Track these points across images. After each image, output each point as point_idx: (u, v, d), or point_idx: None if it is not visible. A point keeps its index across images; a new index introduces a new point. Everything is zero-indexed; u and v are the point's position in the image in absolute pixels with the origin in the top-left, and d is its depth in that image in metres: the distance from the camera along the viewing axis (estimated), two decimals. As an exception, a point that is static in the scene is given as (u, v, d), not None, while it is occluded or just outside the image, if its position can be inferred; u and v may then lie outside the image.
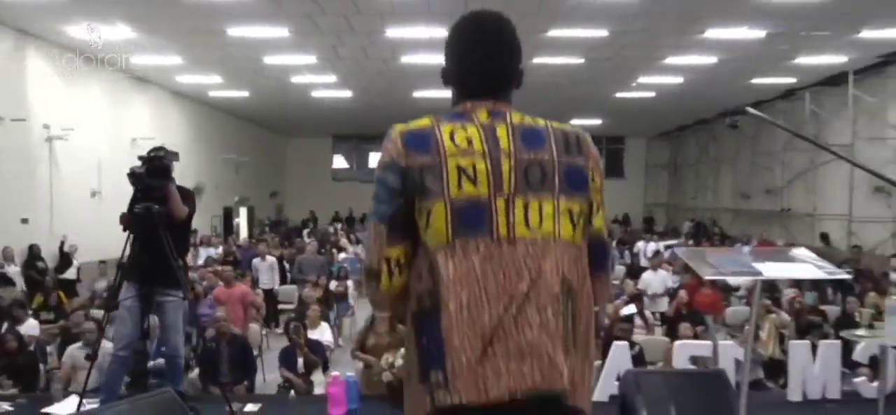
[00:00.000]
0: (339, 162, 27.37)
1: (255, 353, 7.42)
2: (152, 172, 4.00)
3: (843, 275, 3.73)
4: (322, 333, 6.84)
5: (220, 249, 13.39)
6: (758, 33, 11.00)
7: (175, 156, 4.19)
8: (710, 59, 12.90)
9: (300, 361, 5.98)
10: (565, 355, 1.51)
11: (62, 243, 11.16)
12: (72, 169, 11.81)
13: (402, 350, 5.08)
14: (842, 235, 14.13)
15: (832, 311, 8.52)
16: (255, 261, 11.19)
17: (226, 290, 8.08)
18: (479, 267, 1.50)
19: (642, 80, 15.00)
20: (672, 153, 25.51)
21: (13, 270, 9.93)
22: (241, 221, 20.98)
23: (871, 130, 13.49)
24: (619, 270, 13.11)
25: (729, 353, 4.53)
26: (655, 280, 10.56)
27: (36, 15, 9.75)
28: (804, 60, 12.76)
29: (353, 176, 26.89)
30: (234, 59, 12.71)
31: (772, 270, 2.84)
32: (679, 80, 14.89)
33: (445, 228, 1.53)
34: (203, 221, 16.71)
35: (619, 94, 16.83)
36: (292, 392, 5.87)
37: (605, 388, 4.54)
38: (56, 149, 11.40)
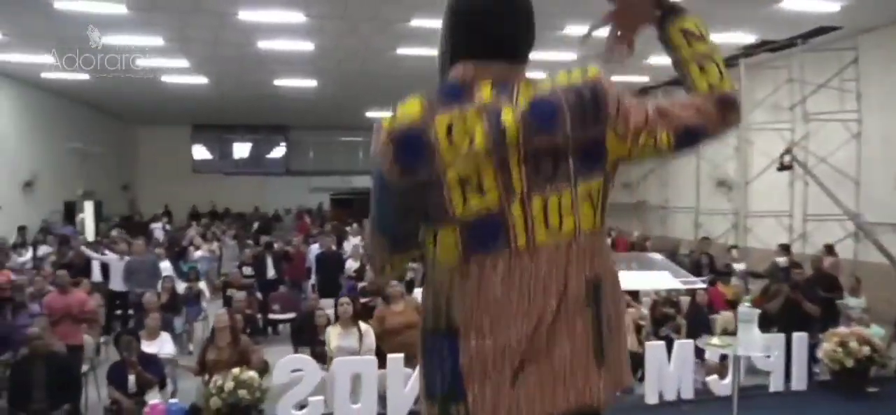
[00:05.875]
0: (202, 153, 25.82)
1: (86, 368, 6.65)
2: None
3: (700, 284, 3.77)
4: (162, 344, 6.18)
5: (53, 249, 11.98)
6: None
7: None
8: (569, 56, 13.21)
9: (132, 378, 5.33)
10: (598, 366, 1.35)
11: None
12: None
13: (236, 371, 4.67)
14: (689, 227, 15.01)
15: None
16: (113, 259, 10.12)
17: (60, 297, 7.05)
18: (500, 288, 1.32)
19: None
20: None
21: None
22: (87, 216, 19.17)
23: (714, 127, 14.39)
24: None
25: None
26: None
27: None
28: (655, 60, 13.35)
29: (215, 168, 25.45)
30: (67, 37, 11.43)
31: (632, 280, 2.76)
32: (542, 75, 15.15)
33: (456, 248, 1.35)
34: (36, 217, 15.05)
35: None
36: (120, 416, 5.23)
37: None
38: None
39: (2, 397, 5.52)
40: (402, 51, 12.66)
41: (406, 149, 1.36)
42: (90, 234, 17.36)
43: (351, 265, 11.10)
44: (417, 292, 7.62)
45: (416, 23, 10.85)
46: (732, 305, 8.68)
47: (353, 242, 13.56)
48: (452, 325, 1.36)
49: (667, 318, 7.40)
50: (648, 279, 2.83)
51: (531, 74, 1.45)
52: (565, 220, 1.35)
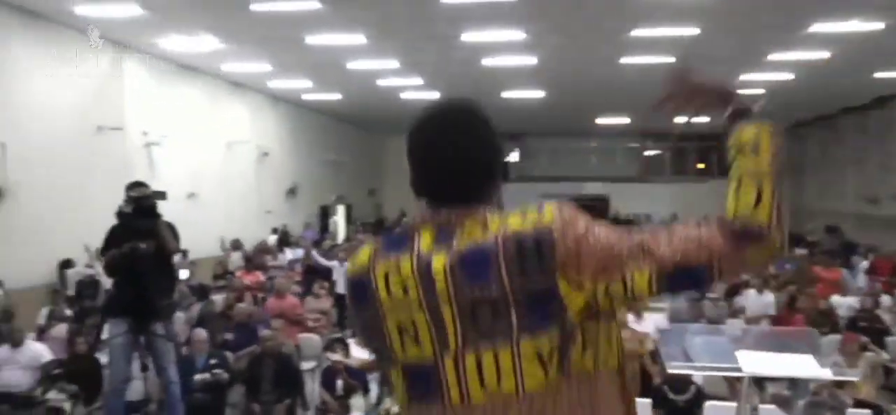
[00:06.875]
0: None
1: (313, 365, 7.46)
2: (140, 213, 4.03)
3: (853, 377, 3.14)
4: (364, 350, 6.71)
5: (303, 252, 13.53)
6: (874, 25, 9.88)
7: (161, 195, 4.21)
8: (822, 54, 11.79)
9: (340, 382, 5.90)
10: None
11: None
12: (169, 173, 12.42)
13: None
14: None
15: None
16: (335, 264, 11.15)
17: (276, 301, 7.96)
18: None
19: (745, 77, 13.92)
20: (788, 152, 23.56)
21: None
22: (339, 219, 21.48)
23: None
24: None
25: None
26: (759, 302, 9.06)
27: (131, 29, 10.33)
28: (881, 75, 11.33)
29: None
30: (319, 65, 12.96)
31: (757, 364, 2.36)
32: (789, 76, 13.74)
33: (402, 391, 1.38)
34: (297, 221, 17.22)
35: (722, 92, 15.73)
36: (327, 416, 5.82)
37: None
38: (153, 155, 12.05)
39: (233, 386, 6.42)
40: (626, 60, 12.31)
41: (357, 294, 1.40)
42: (341, 235, 19.43)
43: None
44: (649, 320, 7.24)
45: (637, 33, 10.49)
46: None
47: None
48: None
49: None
50: (779, 364, 2.35)
51: (490, 214, 1.35)
52: (504, 379, 1.25)
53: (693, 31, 10.37)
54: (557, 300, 1.24)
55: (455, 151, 1.38)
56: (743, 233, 1.23)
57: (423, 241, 1.33)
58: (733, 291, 10.49)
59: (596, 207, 26.62)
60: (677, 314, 7.91)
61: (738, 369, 2.33)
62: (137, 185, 4.20)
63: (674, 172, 25.97)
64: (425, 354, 1.31)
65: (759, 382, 5.55)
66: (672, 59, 12.20)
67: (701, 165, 25.47)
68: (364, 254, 1.40)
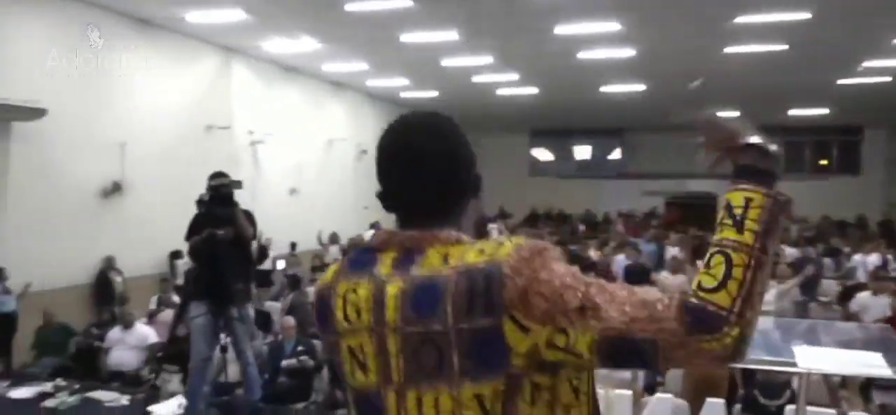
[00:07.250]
0: (544, 155, 27.22)
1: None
2: (217, 201, 4.22)
3: None
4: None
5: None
6: None
7: (238, 184, 4.39)
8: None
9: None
10: None
11: (260, 237, 12.32)
12: (272, 170, 13.04)
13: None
14: None
15: None
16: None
17: None
18: None
19: (868, 64, 12.88)
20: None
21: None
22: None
23: None
24: (829, 286, 11.32)
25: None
26: (875, 305, 8.29)
27: (237, 33, 10.92)
28: None
29: (551, 171, 26.54)
30: (414, 63, 13.16)
31: (811, 359, 2.11)
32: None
33: None
34: (393, 216, 17.54)
35: (841, 81, 14.64)
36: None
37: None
38: (258, 152, 12.67)
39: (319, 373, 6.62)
40: (730, 49, 11.68)
41: (320, 313, 1.35)
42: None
43: (673, 282, 10.35)
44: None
45: (742, 20, 9.93)
46: None
47: (671, 252, 12.89)
48: None
49: None
50: (845, 361, 2.08)
51: (456, 243, 1.25)
52: None
53: (804, 15, 9.71)
54: (502, 343, 1.14)
55: (421, 161, 1.30)
56: (696, 315, 1.04)
57: (384, 264, 1.27)
58: (847, 295, 9.78)
59: (702, 206, 25.29)
60: (782, 314, 7.47)
61: (794, 364, 2.12)
62: (217, 175, 4.43)
63: (787, 168, 24.40)
64: (371, 382, 1.26)
65: (866, 390, 5.14)
66: (783, 47, 11.49)
67: (823, 162, 23.81)
68: (330, 272, 1.37)
